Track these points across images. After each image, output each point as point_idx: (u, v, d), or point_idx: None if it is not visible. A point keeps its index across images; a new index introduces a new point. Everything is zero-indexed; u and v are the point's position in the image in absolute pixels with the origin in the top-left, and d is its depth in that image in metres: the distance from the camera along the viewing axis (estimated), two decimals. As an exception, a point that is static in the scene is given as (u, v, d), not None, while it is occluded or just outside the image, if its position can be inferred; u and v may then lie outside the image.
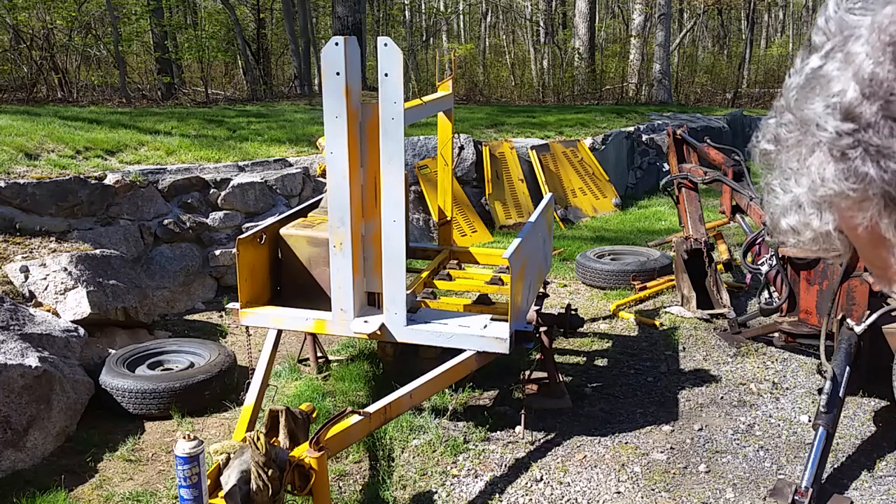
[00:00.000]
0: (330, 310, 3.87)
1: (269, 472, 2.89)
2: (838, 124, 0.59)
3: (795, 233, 0.68)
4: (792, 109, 0.64)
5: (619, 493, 3.59)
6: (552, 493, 3.58)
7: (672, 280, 6.34)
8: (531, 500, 3.54)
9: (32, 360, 3.88)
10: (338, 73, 3.50)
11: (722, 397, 4.57)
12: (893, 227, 0.60)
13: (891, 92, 0.57)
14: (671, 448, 3.98)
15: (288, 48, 16.67)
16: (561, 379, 4.53)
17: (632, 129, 11.66)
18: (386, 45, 3.43)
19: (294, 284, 4.21)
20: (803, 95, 0.63)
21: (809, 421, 4.21)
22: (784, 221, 0.68)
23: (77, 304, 4.76)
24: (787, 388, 4.67)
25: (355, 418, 3.23)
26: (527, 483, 3.66)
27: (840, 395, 3.70)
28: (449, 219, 5.13)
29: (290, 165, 7.14)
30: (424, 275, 4.64)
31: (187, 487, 2.76)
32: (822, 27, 0.63)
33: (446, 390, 4.40)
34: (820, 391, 3.82)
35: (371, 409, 3.33)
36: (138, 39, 15.18)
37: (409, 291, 4.00)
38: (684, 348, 5.31)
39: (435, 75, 5.32)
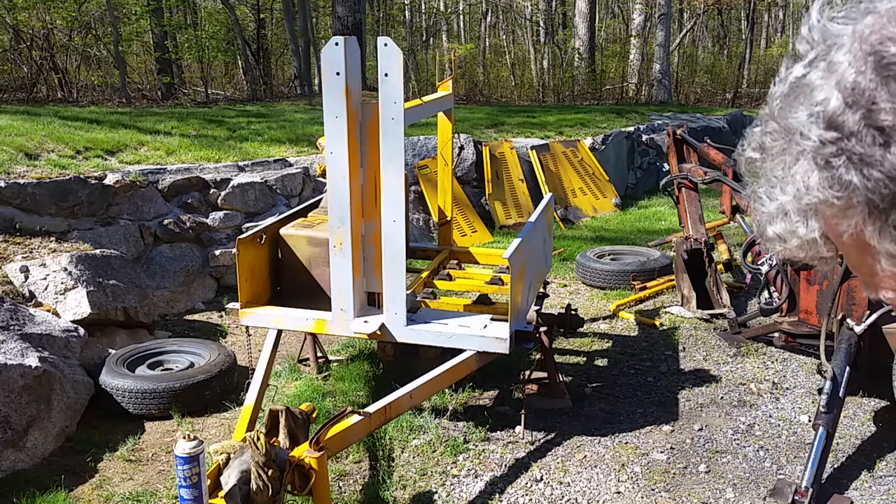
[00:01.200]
0: (330, 310, 3.87)
1: (269, 472, 2.89)
2: (822, 133, 0.60)
3: (782, 240, 0.68)
4: (776, 118, 0.65)
5: (619, 493, 3.59)
6: (552, 493, 3.58)
7: (672, 280, 6.34)
8: (531, 500, 3.54)
9: (32, 360, 3.88)
10: (338, 73, 3.50)
11: (722, 397, 4.57)
12: (878, 235, 0.60)
13: (872, 101, 0.57)
14: (671, 448, 3.98)
15: (288, 48, 16.67)
16: (561, 379, 4.53)
17: (632, 129, 11.66)
18: (386, 45, 3.43)
19: (294, 284, 4.21)
20: (787, 104, 0.63)
21: (809, 421, 4.21)
22: (770, 229, 0.69)
23: (77, 304, 4.76)
24: (787, 388, 4.67)
25: (355, 418, 3.23)
26: (527, 483, 3.66)
27: (840, 395, 3.70)
28: (449, 219, 5.13)
29: (290, 165, 7.14)
30: (424, 275, 4.64)
31: (187, 487, 2.76)
32: (805, 36, 0.64)
33: (446, 390, 4.40)
34: (820, 391, 3.82)
35: (371, 409, 3.33)
36: (138, 39, 15.18)
37: (409, 291, 4.00)
38: (684, 348, 5.31)
39: (435, 75, 5.33)
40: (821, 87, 0.60)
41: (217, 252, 6.28)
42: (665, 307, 6.06)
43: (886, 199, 0.58)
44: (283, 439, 3.17)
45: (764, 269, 4.78)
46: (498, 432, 4.12)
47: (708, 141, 6.15)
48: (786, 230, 0.67)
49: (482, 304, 4.57)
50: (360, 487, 3.64)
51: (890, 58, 0.57)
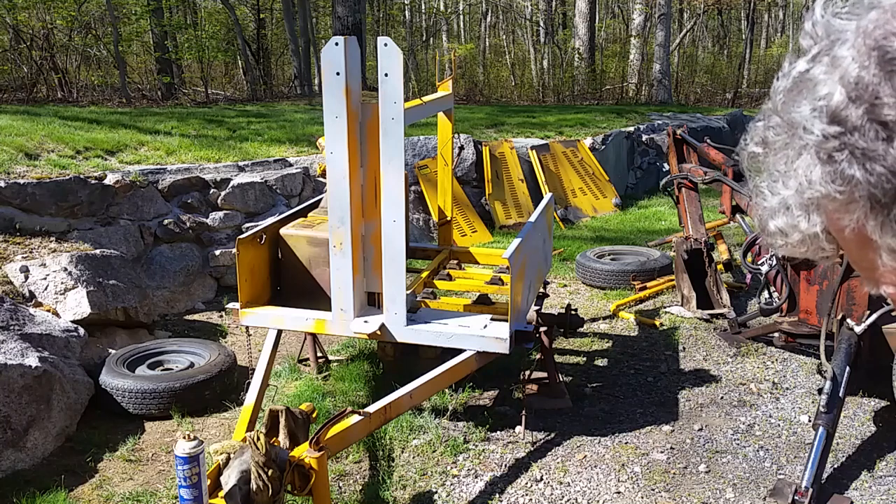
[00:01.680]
0: (330, 310, 3.87)
1: (269, 472, 2.89)
2: (825, 127, 0.60)
3: (783, 234, 0.69)
4: (779, 112, 0.65)
5: (619, 493, 3.59)
6: (552, 493, 3.58)
7: (672, 280, 6.34)
8: (531, 500, 3.54)
9: (32, 360, 3.88)
10: (338, 73, 3.50)
11: (722, 397, 4.57)
12: (880, 229, 0.60)
13: (876, 95, 0.57)
14: (671, 448, 3.98)
15: (288, 48, 16.67)
16: (561, 379, 4.53)
17: (632, 129, 11.66)
18: (386, 45, 3.43)
19: (294, 284, 4.21)
20: (790, 98, 0.64)
21: (809, 421, 4.21)
22: (772, 223, 0.69)
23: (77, 304, 4.76)
24: (787, 388, 4.67)
25: (355, 418, 3.23)
26: (527, 483, 3.66)
27: (840, 395, 3.70)
28: (449, 219, 5.13)
29: (290, 165, 7.14)
30: (424, 275, 4.64)
31: (187, 487, 2.76)
32: (808, 31, 0.64)
33: (446, 390, 4.40)
34: (820, 391, 3.82)
35: (371, 409, 3.33)
36: (138, 39, 15.18)
37: (409, 291, 4.00)
38: (684, 348, 5.31)
39: (435, 75, 5.33)
40: (824, 81, 0.60)
41: (217, 252, 6.28)
42: (665, 307, 6.06)
43: (889, 194, 0.58)
44: (283, 439, 3.17)
45: (764, 269, 4.78)
46: (498, 432, 4.12)
47: (708, 141, 6.15)
48: (788, 224, 0.67)
49: (482, 304, 4.57)
50: (360, 487, 3.64)
51: (894, 53, 0.57)
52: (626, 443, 4.03)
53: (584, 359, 5.16)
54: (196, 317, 5.90)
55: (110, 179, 5.84)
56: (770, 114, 0.66)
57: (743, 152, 0.70)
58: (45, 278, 4.83)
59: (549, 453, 3.92)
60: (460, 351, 3.76)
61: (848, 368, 3.81)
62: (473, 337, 3.75)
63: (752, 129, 0.69)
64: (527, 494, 3.57)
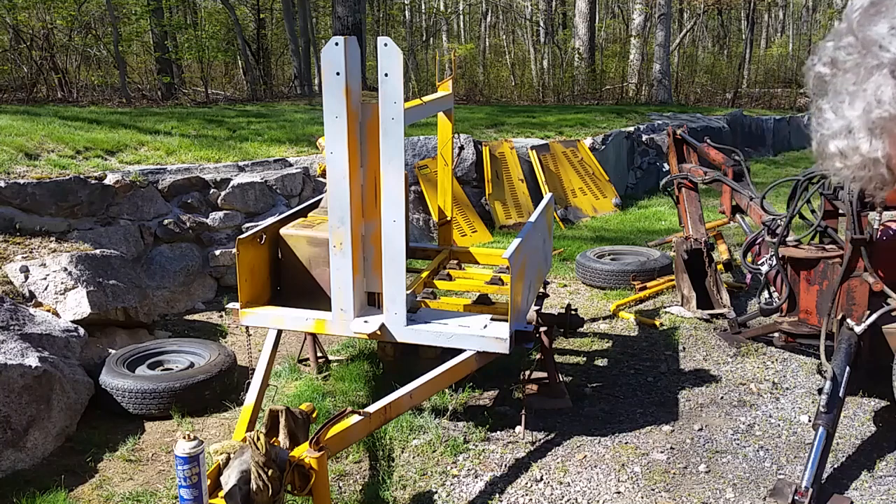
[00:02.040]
0: (330, 310, 3.87)
1: (269, 472, 2.89)
2: None
3: (843, 157, 0.67)
4: (854, 31, 0.64)
5: (619, 493, 3.59)
6: (552, 493, 3.58)
7: (672, 280, 6.34)
8: (531, 500, 3.54)
9: (32, 360, 3.88)
10: (338, 73, 3.50)
11: (722, 397, 4.57)
12: None
13: None
14: (671, 448, 3.98)
15: (288, 48, 16.68)
16: (561, 379, 4.53)
17: (632, 129, 11.67)
18: (386, 45, 3.43)
19: (294, 284, 4.21)
20: (867, 18, 0.62)
21: (809, 421, 4.21)
22: (833, 144, 0.67)
23: (77, 304, 4.76)
24: (787, 388, 4.67)
25: (355, 418, 3.23)
26: (527, 483, 3.66)
27: (840, 395, 3.70)
28: (449, 219, 5.13)
29: (290, 165, 7.15)
30: (424, 275, 4.64)
31: (187, 487, 2.76)
32: None
33: (446, 390, 4.41)
34: (820, 391, 3.82)
35: (371, 409, 3.33)
36: (138, 39, 15.19)
37: (409, 291, 4.00)
38: (684, 348, 5.31)
39: (435, 75, 5.33)
40: None
41: (217, 252, 6.28)
42: (665, 307, 6.06)
43: None
44: (283, 439, 3.17)
45: (764, 269, 4.78)
46: (498, 432, 4.12)
47: (708, 141, 6.15)
48: (848, 146, 0.66)
49: (482, 304, 4.57)
50: (360, 487, 3.64)
51: None
52: (626, 443, 4.03)
53: (584, 359, 5.17)
54: (196, 317, 5.90)
55: (110, 179, 5.84)
56: (842, 34, 0.65)
57: (809, 72, 0.69)
58: (45, 278, 4.83)
59: (549, 453, 3.92)
60: (460, 351, 3.76)
61: (848, 368, 3.81)
62: (473, 337, 3.75)
63: (820, 48, 0.68)
64: (527, 494, 3.57)
